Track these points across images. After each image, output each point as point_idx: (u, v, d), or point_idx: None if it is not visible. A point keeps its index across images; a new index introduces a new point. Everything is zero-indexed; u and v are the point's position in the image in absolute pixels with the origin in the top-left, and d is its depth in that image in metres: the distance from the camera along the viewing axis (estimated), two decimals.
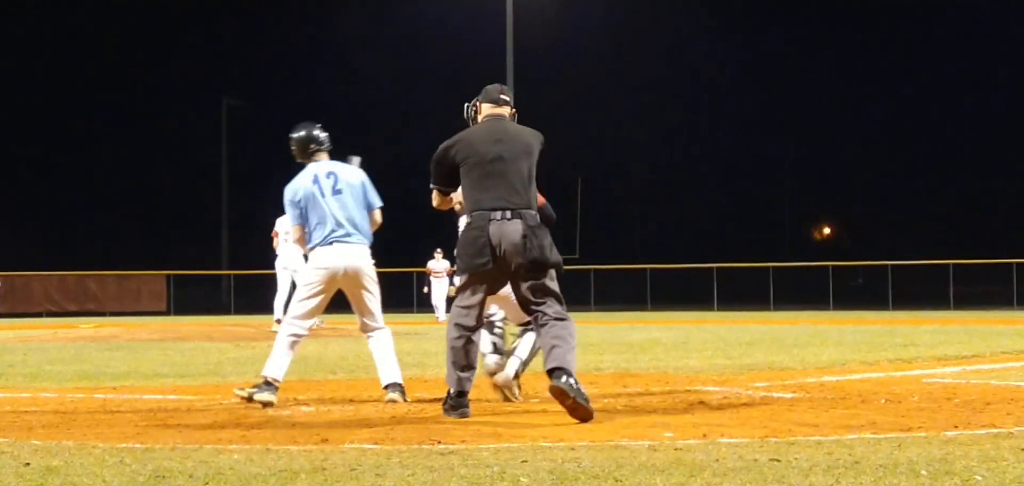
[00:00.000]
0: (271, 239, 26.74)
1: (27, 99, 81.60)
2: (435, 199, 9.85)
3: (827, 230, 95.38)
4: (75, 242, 71.72)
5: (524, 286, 9.36)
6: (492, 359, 10.43)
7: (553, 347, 9.13)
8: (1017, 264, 48.16)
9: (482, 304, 9.55)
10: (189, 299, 51.17)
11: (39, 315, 46.58)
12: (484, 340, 10.20)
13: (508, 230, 9.28)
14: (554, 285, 9.45)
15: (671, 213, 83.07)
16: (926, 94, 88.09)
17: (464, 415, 9.28)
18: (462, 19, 58.58)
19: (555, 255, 9.44)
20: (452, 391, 9.41)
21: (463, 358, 9.42)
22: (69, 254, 60.99)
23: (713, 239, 78.13)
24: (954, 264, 48.22)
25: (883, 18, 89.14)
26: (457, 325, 9.48)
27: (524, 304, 9.47)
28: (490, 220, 9.30)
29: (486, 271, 9.36)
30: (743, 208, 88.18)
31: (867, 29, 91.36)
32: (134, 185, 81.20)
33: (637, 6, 78.17)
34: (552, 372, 9.02)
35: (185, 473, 6.53)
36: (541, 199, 9.69)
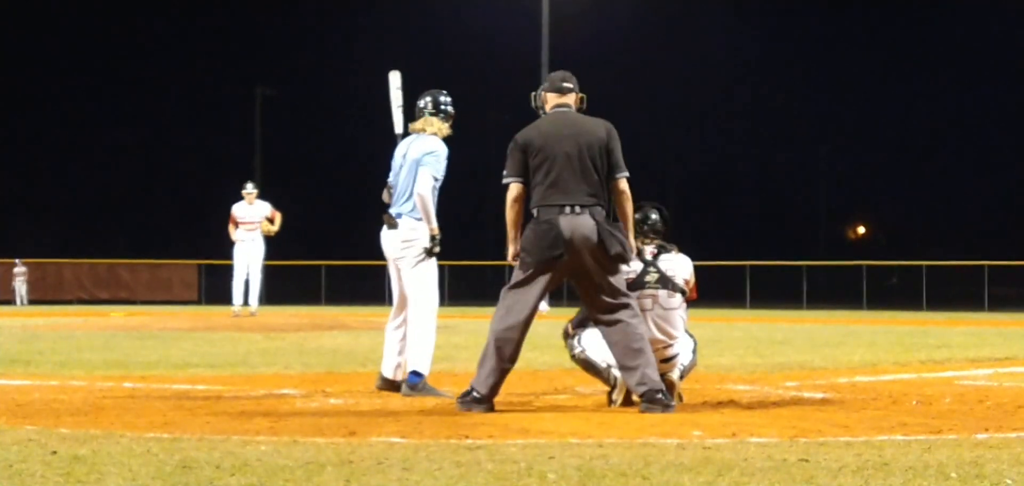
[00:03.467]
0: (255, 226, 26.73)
1: (61, 86, 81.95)
2: (512, 192, 9.46)
3: (862, 229, 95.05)
4: (107, 230, 71.99)
5: (600, 287, 9.28)
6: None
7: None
8: None
9: (537, 302, 9.45)
10: (221, 289, 51.32)
11: (70, 303, 46.75)
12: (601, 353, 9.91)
13: (579, 224, 9.21)
14: (624, 286, 9.44)
15: (705, 210, 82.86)
16: (964, 92, 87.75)
17: (490, 410, 9.28)
18: (497, 16, 58.50)
19: (630, 248, 9.40)
20: (481, 391, 9.38)
21: (505, 354, 9.39)
22: (101, 242, 61.22)
23: (746, 237, 77.98)
24: (989, 265, 47.95)
25: (919, 15, 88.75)
26: (507, 318, 9.41)
27: (599, 305, 9.35)
28: (560, 214, 9.23)
29: (557, 263, 9.27)
30: (777, 206, 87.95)
31: (903, 26, 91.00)
32: (167, 174, 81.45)
33: (670, 4, 77.97)
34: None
35: (212, 463, 6.52)
36: (623, 187, 9.42)
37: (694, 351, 10.13)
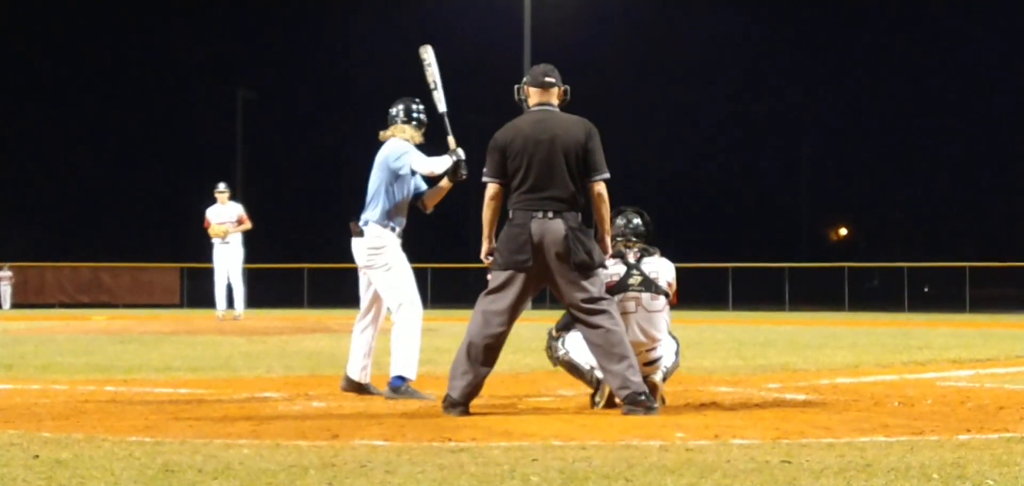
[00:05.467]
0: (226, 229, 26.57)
1: (41, 91, 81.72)
2: (488, 191, 9.44)
3: (843, 231, 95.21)
4: (88, 234, 71.75)
5: (573, 293, 9.27)
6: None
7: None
8: None
9: (515, 308, 9.42)
10: (202, 292, 51.23)
11: (52, 306, 46.61)
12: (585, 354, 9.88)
13: (549, 229, 9.20)
14: (603, 291, 9.41)
15: (687, 213, 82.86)
16: (945, 94, 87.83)
17: (465, 414, 9.26)
18: (479, 20, 58.51)
19: (599, 256, 9.38)
20: (454, 396, 9.37)
21: (481, 358, 9.38)
22: (82, 246, 61.05)
23: (728, 239, 77.99)
24: (970, 267, 48.04)
25: (900, 16, 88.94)
26: (482, 323, 9.41)
27: (575, 309, 9.33)
28: (532, 218, 9.23)
29: (526, 269, 9.27)
30: (759, 208, 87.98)
31: (884, 28, 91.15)
32: (148, 178, 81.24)
33: (651, 6, 77.99)
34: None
35: (194, 467, 6.52)
36: (599, 190, 9.36)
37: (677, 353, 10.14)
